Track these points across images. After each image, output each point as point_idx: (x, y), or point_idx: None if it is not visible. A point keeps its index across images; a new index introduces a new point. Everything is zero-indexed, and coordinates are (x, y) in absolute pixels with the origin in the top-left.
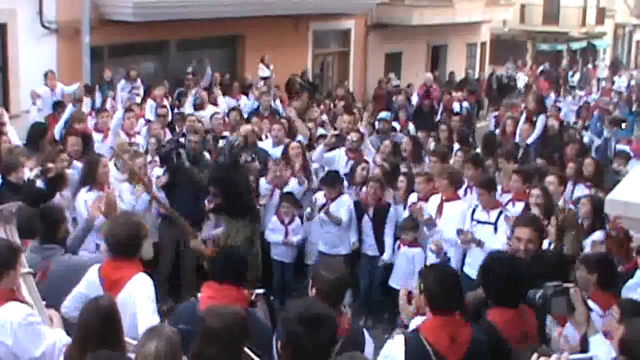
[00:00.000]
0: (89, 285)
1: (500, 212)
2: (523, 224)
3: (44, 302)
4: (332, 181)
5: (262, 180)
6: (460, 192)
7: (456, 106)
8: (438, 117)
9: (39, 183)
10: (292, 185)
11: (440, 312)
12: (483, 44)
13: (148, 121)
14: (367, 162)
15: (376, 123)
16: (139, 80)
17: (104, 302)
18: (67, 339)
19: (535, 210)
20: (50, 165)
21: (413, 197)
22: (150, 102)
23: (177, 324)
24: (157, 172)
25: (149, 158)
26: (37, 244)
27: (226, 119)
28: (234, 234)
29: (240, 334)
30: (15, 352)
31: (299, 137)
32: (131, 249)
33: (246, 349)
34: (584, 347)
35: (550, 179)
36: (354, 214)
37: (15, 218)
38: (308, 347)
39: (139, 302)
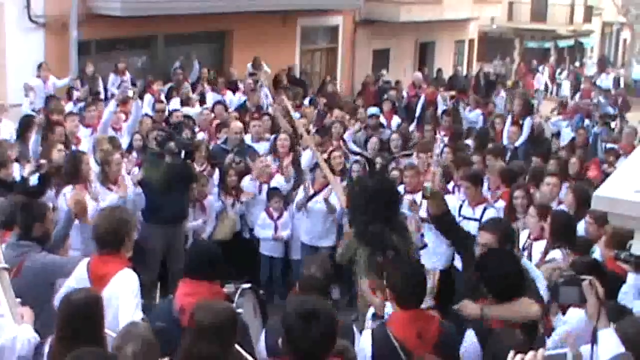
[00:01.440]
0: (78, 279)
1: (485, 208)
2: (482, 227)
3: (18, 300)
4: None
5: (247, 177)
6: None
7: (440, 101)
8: (418, 112)
9: (33, 179)
10: (278, 180)
11: (406, 307)
12: (471, 41)
13: (146, 115)
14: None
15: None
16: (127, 74)
17: (77, 296)
18: (32, 335)
19: (531, 211)
20: (42, 161)
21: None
22: (148, 97)
23: (154, 322)
24: (134, 170)
25: (134, 154)
26: (14, 240)
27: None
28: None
29: (232, 330)
30: None
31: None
32: (115, 244)
33: (236, 346)
34: (593, 340)
35: (553, 181)
36: None
37: None
38: (305, 341)
39: (122, 297)
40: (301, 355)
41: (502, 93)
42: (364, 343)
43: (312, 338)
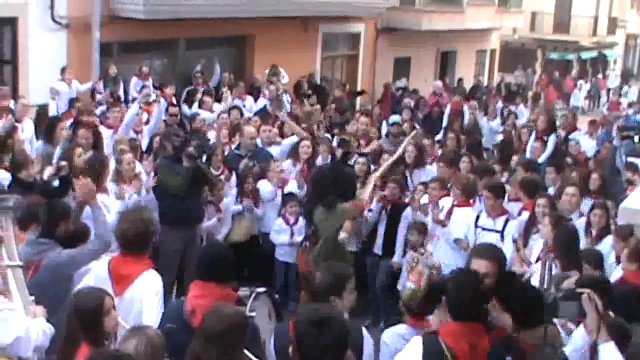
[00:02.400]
0: (97, 278)
1: (507, 220)
2: (477, 255)
3: (32, 297)
4: None
5: (265, 182)
6: None
7: (466, 111)
8: (445, 122)
9: (54, 182)
10: (292, 186)
11: (458, 318)
12: (492, 51)
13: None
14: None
15: (384, 126)
16: (150, 79)
17: (84, 298)
18: (47, 326)
19: (545, 221)
20: (63, 163)
21: (424, 199)
22: (161, 101)
23: (165, 324)
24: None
25: (152, 157)
26: (33, 238)
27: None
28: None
29: (241, 335)
30: None
31: (293, 138)
32: (140, 246)
33: (245, 351)
34: (593, 354)
35: (572, 191)
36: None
37: (12, 211)
38: (317, 348)
39: (145, 299)
40: None
41: (500, 103)
42: (412, 351)
43: (324, 345)
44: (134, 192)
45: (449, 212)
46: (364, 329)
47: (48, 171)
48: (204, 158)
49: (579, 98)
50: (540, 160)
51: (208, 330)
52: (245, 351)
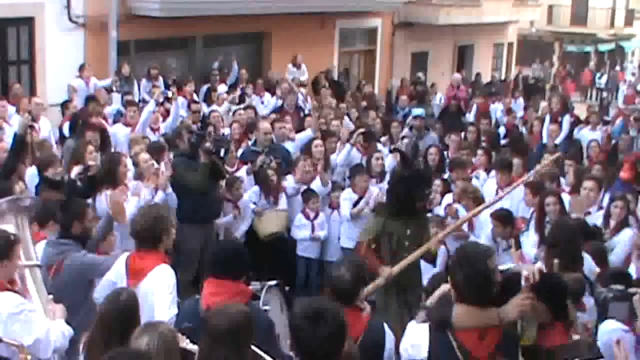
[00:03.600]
0: (117, 273)
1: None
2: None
3: (50, 296)
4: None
5: (290, 178)
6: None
7: (493, 111)
8: (471, 119)
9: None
10: (317, 184)
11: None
12: (510, 45)
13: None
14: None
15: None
16: (160, 79)
17: (123, 297)
18: (66, 328)
19: (553, 217)
20: (91, 163)
21: (448, 198)
22: (180, 99)
23: (182, 323)
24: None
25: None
26: (54, 238)
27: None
28: None
29: (248, 332)
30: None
31: (308, 132)
32: (151, 241)
33: (253, 347)
34: None
35: (590, 185)
36: None
37: (27, 211)
38: (310, 341)
39: (157, 293)
40: (308, 356)
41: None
42: (419, 338)
43: (319, 339)
44: (155, 189)
45: (470, 224)
46: (385, 325)
47: (76, 170)
48: (222, 152)
49: (623, 90)
50: (558, 141)
51: (213, 330)
52: (255, 348)
